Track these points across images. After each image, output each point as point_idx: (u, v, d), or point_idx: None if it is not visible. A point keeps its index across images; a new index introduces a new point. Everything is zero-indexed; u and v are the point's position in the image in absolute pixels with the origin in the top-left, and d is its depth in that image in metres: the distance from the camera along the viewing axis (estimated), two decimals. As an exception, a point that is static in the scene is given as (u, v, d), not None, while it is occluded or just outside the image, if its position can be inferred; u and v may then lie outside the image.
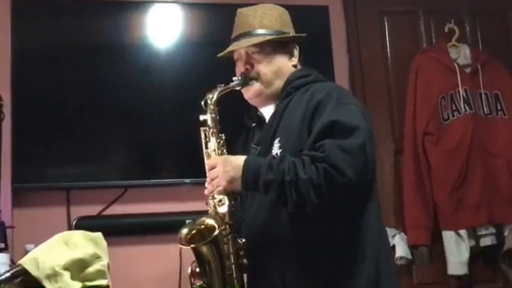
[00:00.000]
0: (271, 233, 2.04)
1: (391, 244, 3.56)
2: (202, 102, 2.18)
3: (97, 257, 1.91)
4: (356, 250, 1.98)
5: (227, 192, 2.04)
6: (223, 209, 2.06)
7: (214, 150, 2.14)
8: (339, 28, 3.85)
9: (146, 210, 3.39)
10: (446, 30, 3.84)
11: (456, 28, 3.82)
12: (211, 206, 2.09)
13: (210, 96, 2.17)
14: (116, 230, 3.25)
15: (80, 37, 3.41)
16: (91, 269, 1.88)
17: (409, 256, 3.59)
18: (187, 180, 3.33)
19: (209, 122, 2.17)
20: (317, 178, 1.85)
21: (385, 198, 3.69)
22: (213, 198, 2.07)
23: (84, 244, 1.92)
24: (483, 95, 3.70)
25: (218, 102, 2.18)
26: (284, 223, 2.01)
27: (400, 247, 3.57)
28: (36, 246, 1.97)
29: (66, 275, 1.81)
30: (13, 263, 2.64)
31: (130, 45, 3.47)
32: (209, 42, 3.36)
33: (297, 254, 2.00)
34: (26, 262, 1.83)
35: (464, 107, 3.62)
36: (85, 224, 3.15)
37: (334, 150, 1.87)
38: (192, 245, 2.00)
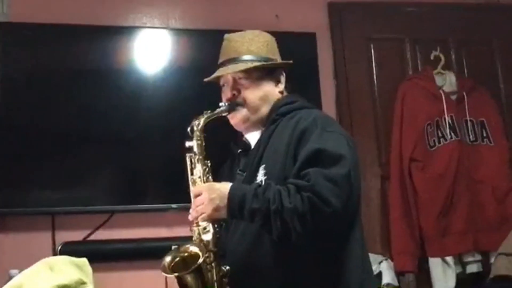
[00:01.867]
0: (254, 261, 2.03)
1: (378, 271, 3.55)
2: (188, 129, 2.18)
3: (82, 283, 1.88)
4: (339, 279, 1.98)
5: (212, 219, 2.03)
6: (208, 236, 2.05)
7: (200, 176, 2.14)
8: (326, 55, 3.87)
9: (132, 235, 3.37)
10: (432, 57, 3.87)
11: (441, 56, 3.85)
12: (196, 234, 2.07)
13: (196, 122, 2.18)
14: (102, 256, 3.24)
15: (68, 62, 3.41)
16: (76, 295, 1.86)
17: (396, 283, 3.58)
18: (174, 205, 3.32)
19: (195, 149, 2.17)
20: (302, 207, 1.85)
21: (372, 224, 3.69)
22: (198, 225, 2.06)
23: (69, 269, 1.90)
24: (468, 122, 3.72)
25: (205, 128, 2.18)
26: (267, 250, 2.00)
27: (387, 273, 3.56)
28: (20, 271, 1.95)
29: (50, 301, 1.79)
30: (-4, 289, 2.62)
31: (118, 70, 3.47)
32: (197, 68, 3.36)
33: (280, 282, 1.99)
34: (10, 288, 1.81)
35: (450, 134, 3.64)
36: (71, 249, 3.13)
37: (319, 179, 1.87)
38: (176, 274, 1.99)
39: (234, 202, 1.95)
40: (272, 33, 2.36)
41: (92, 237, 3.33)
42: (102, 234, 3.35)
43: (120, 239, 3.36)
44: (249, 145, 2.27)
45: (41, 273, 1.87)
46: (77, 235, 3.30)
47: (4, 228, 3.23)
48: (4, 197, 3.19)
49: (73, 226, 3.31)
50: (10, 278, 2.21)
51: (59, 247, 3.22)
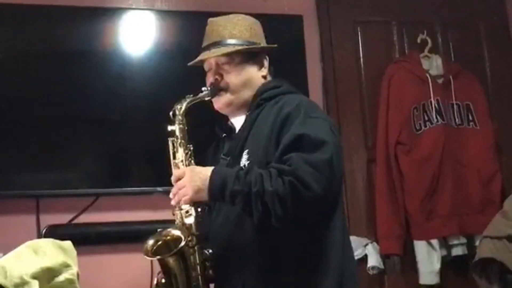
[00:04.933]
0: (236, 244, 2.05)
1: (363, 254, 3.57)
2: (171, 113, 2.18)
3: (66, 266, 1.88)
4: (319, 262, 2.00)
5: (193, 202, 2.03)
6: (190, 220, 2.07)
7: (182, 160, 2.16)
8: (313, 37, 3.85)
9: (118, 218, 3.36)
10: (418, 41, 3.87)
11: (428, 39, 3.85)
12: (178, 217, 2.09)
13: (178, 106, 2.19)
14: (87, 239, 3.22)
15: (52, 44, 3.37)
16: (60, 278, 1.86)
17: (381, 266, 3.60)
18: (160, 188, 3.30)
19: (177, 133, 2.18)
20: (283, 191, 1.86)
21: (357, 207, 3.71)
22: (180, 209, 2.08)
23: (53, 252, 1.90)
24: (455, 106, 3.72)
25: (187, 112, 2.18)
26: (248, 234, 2.02)
27: (372, 256, 3.58)
28: (4, 254, 1.94)
29: (35, 284, 1.78)
30: (-20, 271, 2.60)
31: (103, 52, 3.43)
32: (183, 50, 3.34)
33: (260, 265, 2.01)
34: (-7, 270, 1.80)
35: (436, 118, 3.64)
36: (55, 232, 3.11)
37: (301, 164, 1.88)
38: (158, 257, 2.00)
39: (216, 184, 1.96)
40: (259, 16, 2.35)
41: (77, 220, 3.31)
42: (87, 217, 3.33)
43: (105, 222, 3.34)
44: (233, 129, 2.28)
45: (25, 256, 1.86)
46: (62, 218, 3.28)
47: (-12, 211, 3.21)
48: (-12, 180, 3.16)
49: (58, 209, 3.29)
50: (-6, 261, 2.20)
51: (44, 230, 3.20)
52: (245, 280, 2.02)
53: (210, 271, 2.06)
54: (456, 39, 4.04)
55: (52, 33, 3.38)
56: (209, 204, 2.11)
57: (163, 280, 2.07)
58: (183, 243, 1.97)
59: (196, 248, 2.05)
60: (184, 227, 2.05)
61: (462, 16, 4.07)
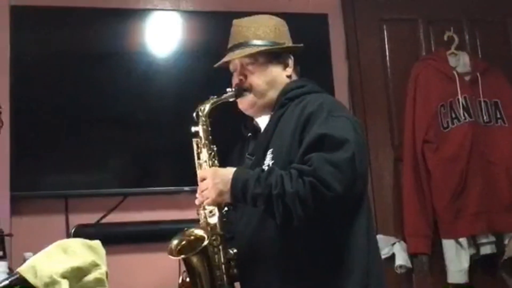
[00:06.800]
0: (259, 244, 2.06)
1: (391, 253, 3.56)
2: (194, 114, 2.19)
3: (95, 265, 1.89)
4: (344, 262, 1.99)
5: (216, 204, 2.05)
6: (214, 219, 2.09)
7: (206, 161, 2.18)
8: (339, 36, 3.84)
9: (145, 218, 3.38)
10: (445, 38, 3.83)
11: (455, 36, 3.81)
12: (202, 217, 2.12)
13: (202, 107, 2.20)
14: (115, 238, 3.24)
15: (79, 45, 3.40)
16: (89, 277, 1.87)
17: (409, 265, 3.59)
18: (186, 188, 3.31)
19: (201, 134, 2.20)
20: (304, 192, 1.86)
21: (385, 206, 3.69)
22: (204, 208, 2.10)
23: (82, 252, 1.91)
24: (482, 103, 3.69)
25: (210, 113, 2.20)
26: (272, 233, 2.02)
27: (400, 255, 3.56)
28: (34, 254, 1.96)
29: (64, 283, 1.79)
30: (11, 271, 2.63)
31: (129, 53, 3.46)
32: (209, 50, 3.35)
33: (284, 265, 2.02)
34: (24, 270, 1.82)
35: (464, 115, 3.61)
36: (84, 232, 3.14)
37: (321, 163, 1.88)
38: (182, 256, 2.02)
39: (237, 187, 1.97)
40: (284, 15, 2.35)
41: (105, 220, 3.34)
42: (115, 217, 3.35)
43: (132, 221, 3.36)
44: (258, 128, 2.28)
45: (54, 256, 1.87)
46: (90, 218, 3.31)
47: (18, 211, 3.24)
48: (18, 180, 3.20)
49: (86, 209, 3.32)
50: (25, 260, 2.23)
51: (73, 230, 3.23)
52: (269, 279, 2.03)
53: (235, 270, 2.07)
54: (483, 36, 4.00)
55: (78, 35, 3.41)
56: (233, 204, 2.12)
57: (188, 279, 2.09)
58: (206, 243, 1.99)
59: (220, 247, 2.06)
60: (208, 227, 2.07)
61: (489, 12, 4.03)
